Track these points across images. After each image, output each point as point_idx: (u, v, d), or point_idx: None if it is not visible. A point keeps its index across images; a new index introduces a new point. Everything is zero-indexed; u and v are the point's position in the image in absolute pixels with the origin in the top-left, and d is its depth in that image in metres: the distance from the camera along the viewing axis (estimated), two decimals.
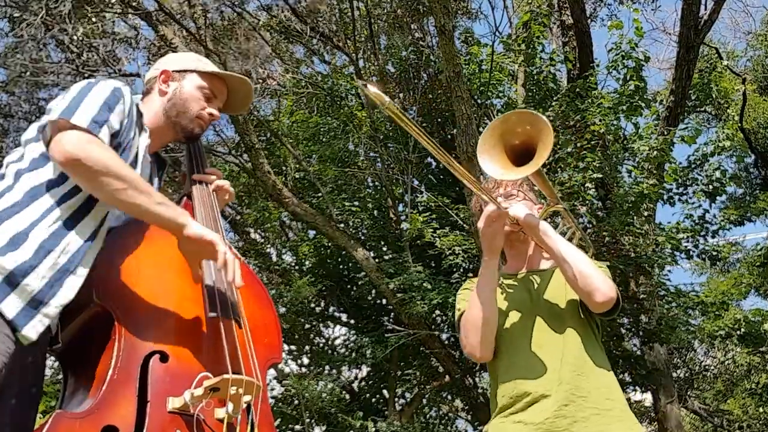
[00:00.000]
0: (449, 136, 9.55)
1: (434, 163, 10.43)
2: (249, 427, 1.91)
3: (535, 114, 2.35)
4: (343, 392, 9.56)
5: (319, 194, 9.41)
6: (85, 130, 1.88)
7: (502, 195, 2.58)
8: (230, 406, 1.83)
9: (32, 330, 1.77)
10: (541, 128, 2.28)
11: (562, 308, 2.43)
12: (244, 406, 1.89)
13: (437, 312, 8.67)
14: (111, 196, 1.88)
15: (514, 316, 2.46)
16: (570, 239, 2.70)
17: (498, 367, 2.43)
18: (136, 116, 2.12)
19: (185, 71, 2.28)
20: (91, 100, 1.96)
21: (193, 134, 2.28)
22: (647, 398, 9.73)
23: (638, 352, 9.32)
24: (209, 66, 2.34)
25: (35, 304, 1.78)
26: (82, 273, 1.87)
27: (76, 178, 1.88)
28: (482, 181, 2.69)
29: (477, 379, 10.62)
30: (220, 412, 1.85)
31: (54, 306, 1.81)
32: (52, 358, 2.08)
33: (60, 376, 2.03)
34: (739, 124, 11.49)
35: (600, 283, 2.30)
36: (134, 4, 8.53)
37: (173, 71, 2.27)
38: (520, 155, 2.33)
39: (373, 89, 1.88)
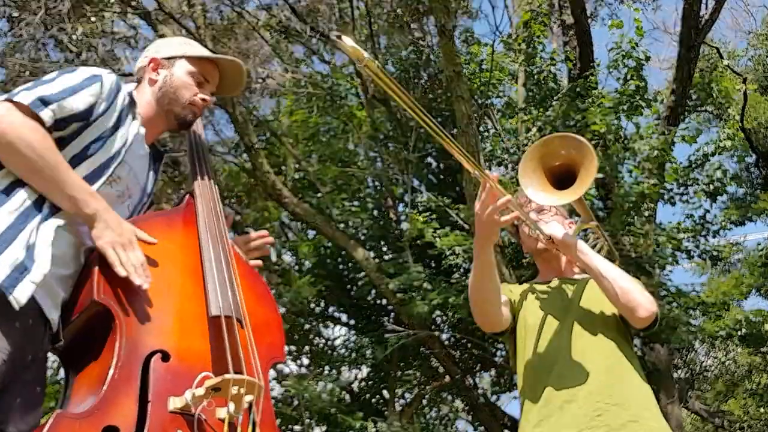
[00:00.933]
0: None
1: (434, 163, 10.44)
2: (251, 427, 1.88)
3: (580, 139, 2.36)
4: (343, 393, 9.57)
5: (319, 194, 9.42)
6: (26, 107, 1.85)
7: (534, 210, 2.60)
8: (232, 405, 1.82)
9: (22, 293, 1.75)
10: (584, 153, 2.31)
11: (596, 316, 2.44)
12: (246, 405, 1.87)
13: (437, 312, 8.67)
14: (18, 169, 1.85)
15: (546, 321, 2.46)
16: (599, 252, 2.70)
17: (529, 375, 2.43)
18: (126, 104, 2.09)
19: (174, 58, 2.24)
20: (54, 83, 1.94)
21: (186, 121, 2.25)
22: None
23: (639, 353, 9.32)
24: (198, 50, 2.31)
25: (21, 269, 1.76)
26: (47, 238, 1.84)
27: None
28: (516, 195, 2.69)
29: (477, 380, 10.64)
30: (222, 412, 1.83)
31: (39, 272, 1.78)
32: (53, 357, 2.08)
33: (59, 377, 2.02)
34: (740, 124, 11.45)
35: (642, 298, 2.32)
36: (133, 3, 8.53)
37: (162, 59, 2.24)
38: (559, 176, 2.36)
39: (349, 42, 1.74)
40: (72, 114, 1.94)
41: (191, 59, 2.25)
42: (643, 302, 2.30)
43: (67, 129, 1.94)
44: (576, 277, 2.62)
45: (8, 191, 1.86)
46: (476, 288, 2.38)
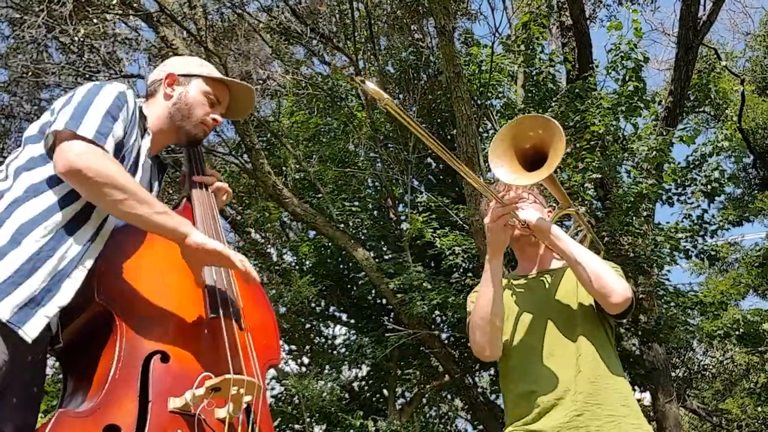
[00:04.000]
0: (449, 137, 9.58)
1: (434, 164, 10.45)
2: (249, 428, 1.92)
3: (548, 119, 2.34)
4: (343, 392, 9.58)
5: (319, 194, 9.42)
6: (90, 141, 1.90)
7: (513, 198, 2.53)
8: (230, 406, 1.84)
9: (33, 328, 1.79)
10: (553, 133, 2.27)
11: (575, 309, 2.41)
12: (245, 406, 1.90)
13: (437, 312, 8.67)
14: (112, 206, 1.91)
15: (525, 319, 2.44)
16: (581, 241, 2.69)
17: (510, 375, 2.42)
18: (138, 119, 2.13)
19: (190, 76, 2.29)
20: (96, 109, 1.97)
21: (196, 139, 2.30)
22: (646, 398, 9.73)
23: (637, 352, 9.33)
24: (214, 71, 2.36)
25: (33, 304, 1.79)
26: (78, 276, 1.89)
27: (78, 188, 1.90)
28: (493, 183, 2.70)
29: (477, 379, 10.64)
30: (221, 412, 1.86)
31: (53, 305, 1.83)
32: (53, 358, 2.09)
33: (61, 376, 2.05)
34: (738, 125, 11.47)
35: (615, 284, 2.29)
36: (135, 5, 8.55)
37: (179, 75, 2.28)
38: (531, 159, 2.33)
39: (371, 86, 1.89)
40: (119, 140, 2.01)
41: (207, 80, 2.31)
42: (616, 288, 2.27)
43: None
44: (554, 266, 2.59)
45: (47, 211, 1.90)
46: (489, 308, 2.33)
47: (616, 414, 2.22)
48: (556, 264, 2.60)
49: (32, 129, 2.04)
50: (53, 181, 1.93)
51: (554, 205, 2.75)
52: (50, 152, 1.95)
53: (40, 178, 1.92)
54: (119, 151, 2.01)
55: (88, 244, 1.92)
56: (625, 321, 2.36)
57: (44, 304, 1.81)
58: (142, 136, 2.15)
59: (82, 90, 2.05)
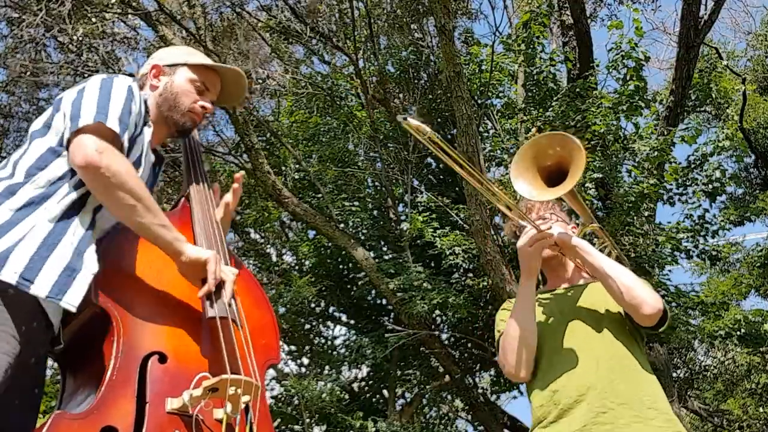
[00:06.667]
0: (449, 137, 9.56)
1: (434, 163, 10.44)
2: (248, 428, 1.91)
3: (566, 135, 2.35)
4: (343, 392, 9.55)
5: (319, 194, 9.41)
6: (115, 133, 1.90)
7: (536, 219, 2.58)
8: (229, 406, 1.83)
9: (75, 296, 1.79)
10: (572, 149, 2.28)
11: (602, 313, 2.41)
12: (243, 406, 1.88)
13: (437, 312, 8.67)
14: (119, 210, 1.91)
15: (551, 328, 2.45)
16: (607, 255, 2.70)
17: (536, 380, 2.41)
18: (144, 112, 2.12)
19: (176, 65, 2.26)
20: (116, 102, 1.97)
21: (185, 128, 2.26)
22: None
23: None
24: (200, 58, 2.32)
25: (69, 271, 1.80)
26: (93, 250, 1.89)
27: (90, 183, 1.89)
28: (518, 201, 2.71)
29: (477, 379, 10.63)
30: (219, 413, 1.85)
31: (90, 271, 1.83)
32: (51, 359, 2.06)
33: (59, 376, 2.03)
34: (739, 124, 11.47)
35: (646, 295, 2.28)
36: (134, 4, 8.53)
37: (164, 66, 2.26)
38: (554, 176, 2.34)
39: (413, 122, 1.90)
40: (131, 134, 2.00)
41: (193, 67, 2.27)
42: (647, 299, 2.27)
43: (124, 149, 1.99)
44: (582, 282, 2.59)
45: (46, 195, 1.89)
46: (524, 330, 2.36)
47: (643, 416, 2.20)
48: (583, 281, 2.61)
49: (37, 123, 2.03)
50: (64, 176, 1.92)
51: (577, 222, 2.74)
52: (68, 143, 1.93)
53: (53, 175, 1.91)
54: (131, 145, 2.01)
55: (90, 230, 1.92)
56: (658, 332, 2.35)
57: (80, 269, 1.82)
58: (144, 128, 2.13)
59: (94, 82, 2.02)
